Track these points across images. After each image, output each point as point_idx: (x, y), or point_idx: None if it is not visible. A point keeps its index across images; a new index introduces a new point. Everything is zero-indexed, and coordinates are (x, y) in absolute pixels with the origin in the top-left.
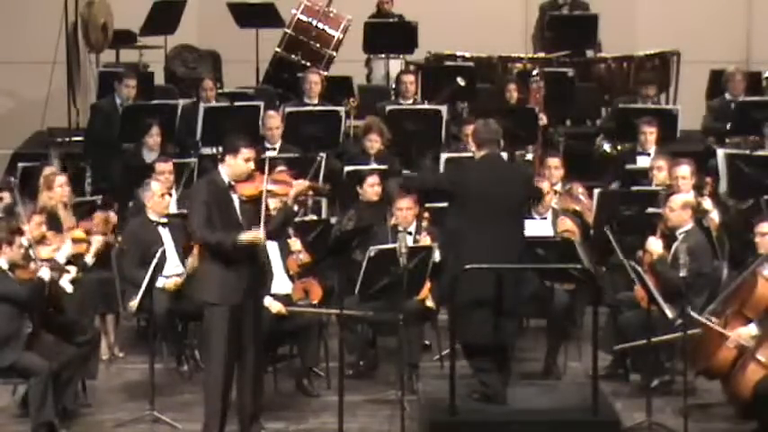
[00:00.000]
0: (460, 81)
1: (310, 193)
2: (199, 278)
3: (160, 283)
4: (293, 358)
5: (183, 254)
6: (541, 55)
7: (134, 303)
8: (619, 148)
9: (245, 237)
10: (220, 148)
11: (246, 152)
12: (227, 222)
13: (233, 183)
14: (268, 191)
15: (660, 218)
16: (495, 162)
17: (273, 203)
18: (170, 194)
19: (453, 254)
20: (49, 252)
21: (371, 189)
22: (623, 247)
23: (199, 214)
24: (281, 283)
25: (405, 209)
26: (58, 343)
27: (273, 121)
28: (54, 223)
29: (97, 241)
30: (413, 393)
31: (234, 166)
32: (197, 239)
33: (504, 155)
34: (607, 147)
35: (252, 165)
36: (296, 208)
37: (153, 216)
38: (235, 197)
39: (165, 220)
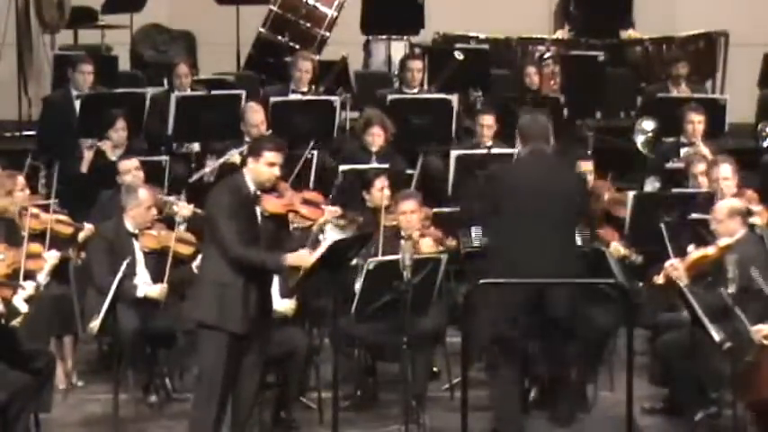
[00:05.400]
0: (458, 55)
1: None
2: (195, 294)
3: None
4: (279, 387)
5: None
6: (565, 35)
7: (95, 324)
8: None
9: (293, 259)
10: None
11: (270, 155)
12: (247, 238)
13: (259, 193)
14: (295, 211)
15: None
16: (542, 159)
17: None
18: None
19: (491, 269)
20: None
21: (380, 194)
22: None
23: (230, 229)
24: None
25: (408, 212)
26: (6, 370)
27: (257, 116)
28: (10, 234)
29: (53, 257)
30: (419, 427)
31: (255, 170)
32: (233, 257)
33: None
34: (641, 138)
35: (277, 171)
36: (320, 237)
37: (129, 225)
38: (258, 210)
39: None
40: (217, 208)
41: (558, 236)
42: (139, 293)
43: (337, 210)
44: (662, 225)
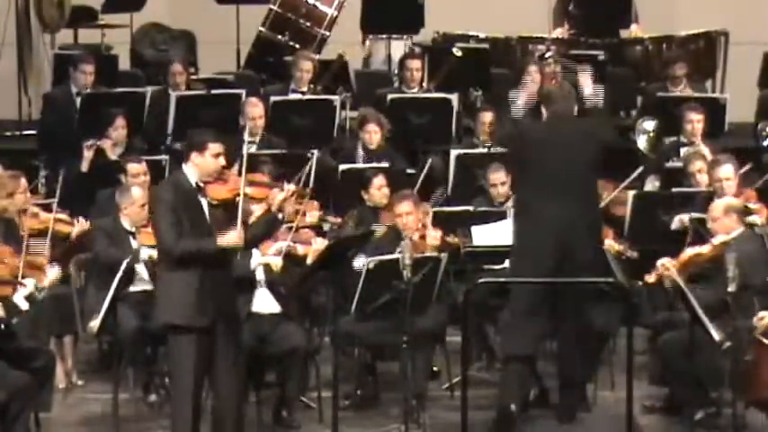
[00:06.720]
0: (456, 51)
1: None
2: (159, 296)
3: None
4: (279, 387)
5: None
6: (563, 34)
7: (95, 323)
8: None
9: (225, 240)
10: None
11: (214, 147)
12: (196, 231)
13: (201, 184)
14: (244, 194)
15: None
16: (563, 118)
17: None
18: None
19: (513, 235)
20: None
21: (379, 192)
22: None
23: (166, 223)
24: (264, 299)
25: (405, 213)
26: (6, 370)
27: (256, 110)
28: (9, 233)
29: (54, 273)
30: (419, 427)
31: (202, 165)
32: (168, 252)
33: None
34: (642, 138)
35: (222, 160)
36: (280, 216)
37: (126, 224)
38: (204, 201)
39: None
40: (156, 207)
41: (581, 190)
42: (143, 256)
43: (292, 187)
44: (691, 220)
